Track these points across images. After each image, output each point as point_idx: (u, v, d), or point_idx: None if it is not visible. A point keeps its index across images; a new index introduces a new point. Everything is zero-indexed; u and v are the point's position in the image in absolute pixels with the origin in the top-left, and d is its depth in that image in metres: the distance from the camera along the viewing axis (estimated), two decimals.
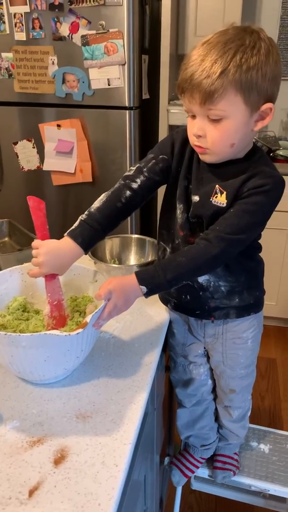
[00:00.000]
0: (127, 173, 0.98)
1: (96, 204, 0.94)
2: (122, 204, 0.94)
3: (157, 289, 0.90)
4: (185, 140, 0.96)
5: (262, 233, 1.01)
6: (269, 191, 0.87)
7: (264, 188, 0.87)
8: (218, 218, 0.90)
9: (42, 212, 0.89)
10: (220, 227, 0.88)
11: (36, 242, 0.89)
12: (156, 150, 1.00)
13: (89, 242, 0.91)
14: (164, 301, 1.12)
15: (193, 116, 0.87)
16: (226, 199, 0.89)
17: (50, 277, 0.90)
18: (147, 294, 0.89)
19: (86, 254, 0.92)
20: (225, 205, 0.90)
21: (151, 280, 0.88)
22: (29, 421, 0.77)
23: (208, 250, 0.88)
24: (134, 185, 0.96)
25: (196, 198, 0.94)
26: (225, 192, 0.90)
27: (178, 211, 0.98)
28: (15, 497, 0.64)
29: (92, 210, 0.93)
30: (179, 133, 0.99)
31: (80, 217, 0.93)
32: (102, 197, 0.95)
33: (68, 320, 0.92)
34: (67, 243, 0.89)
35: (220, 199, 0.90)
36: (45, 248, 0.87)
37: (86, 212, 0.93)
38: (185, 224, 0.98)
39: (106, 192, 0.96)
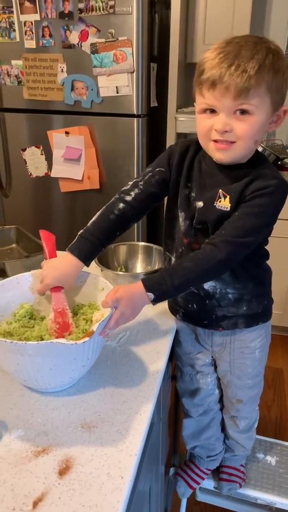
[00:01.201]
0: (123, 188, 1.01)
1: (93, 218, 0.98)
2: (115, 216, 0.97)
3: (164, 295, 0.89)
4: (185, 151, 0.99)
5: (269, 240, 1.01)
6: (272, 193, 0.87)
7: (267, 190, 0.87)
8: (222, 223, 0.90)
9: (52, 242, 0.99)
10: (226, 231, 0.88)
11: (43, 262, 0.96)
12: (154, 163, 1.03)
13: (86, 254, 0.94)
14: (173, 311, 1.11)
15: (212, 113, 0.86)
16: (230, 203, 0.90)
17: (55, 289, 0.93)
18: (154, 301, 0.88)
19: (87, 266, 0.95)
20: (229, 209, 0.90)
21: (158, 287, 0.87)
22: (34, 430, 0.76)
23: (215, 254, 0.88)
24: (128, 198, 0.99)
25: (200, 204, 0.95)
26: (228, 196, 0.90)
27: (181, 219, 0.99)
28: (19, 508, 0.63)
29: (88, 224, 0.97)
30: (178, 145, 1.02)
31: (79, 232, 0.97)
32: (98, 212, 0.99)
33: (73, 327, 0.91)
34: (66, 256, 0.94)
35: (224, 203, 0.90)
36: (48, 263, 0.95)
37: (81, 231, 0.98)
38: (189, 231, 0.98)
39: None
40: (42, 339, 0.88)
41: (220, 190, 0.91)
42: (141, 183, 1.00)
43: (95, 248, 0.95)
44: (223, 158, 0.89)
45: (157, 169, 1.01)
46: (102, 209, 0.99)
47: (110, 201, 1.00)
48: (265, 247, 1.03)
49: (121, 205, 0.98)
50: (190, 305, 1.05)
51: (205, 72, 0.83)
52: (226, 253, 0.87)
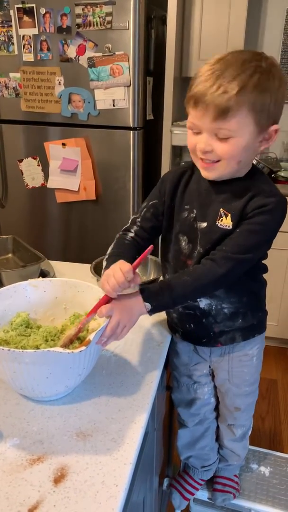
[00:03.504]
0: (124, 226, 1.05)
1: (108, 250, 1.00)
2: (129, 241, 1.02)
3: (161, 306, 0.91)
4: (178, 176, 1.01)
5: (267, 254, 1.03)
6: (272, 210, 0.88)
7: (268, 207, 0.88)
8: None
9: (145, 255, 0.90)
10: (227, 247, 0.89)
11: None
12: (148, 198, 1.06)
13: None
14: (173, 330, 1.11)
15: (198, 132, 0.87)
16: (232, 221, 0.90)
17: (94, 310, 0.88)
18: (151, 312, 0.89)
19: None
20: (231, 227, 0.91)
21: (156, 298, 0.88)
22: (29, 438, 0.77)
23: (214, 270, 0.88)
24: (131, 234, 1.04)
25: (203, 224, 0.95)
26: (229, 215, 0.91)
27: (183, 243, 0.99)
28: None
29: (108, 252, 0.99)
30: (170, 173, 1.04)
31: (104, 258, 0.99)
32: (111, 245, 1.02)
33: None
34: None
35: (226, 222, 0.91)
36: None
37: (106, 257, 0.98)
38: (192, 253, 0.98)
39: None
40: (38, 349, 0.89)
41: (221, 209, 0.92)
42: (139, 219, 1.04)
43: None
44: (209, 175, 0.91)
45: (151, 203, 1.04)
46: (113, 243, 1.02)
47: (116, 238, 1.03)
48: (263, 261, 1.04)
49: (129, 236, 1.03)
50: (187, 325, 1.06)
51: (192, 89, 0.84)
52: (226, 269, 0.88)
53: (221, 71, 0.80)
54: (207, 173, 0.91)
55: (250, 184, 0.91)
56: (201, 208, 0.96)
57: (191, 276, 0.90)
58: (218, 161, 0.87)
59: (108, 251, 1.00)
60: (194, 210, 0.97)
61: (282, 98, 0.85)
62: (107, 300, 0.87)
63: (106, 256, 0.99)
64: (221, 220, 0.92)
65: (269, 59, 0.84)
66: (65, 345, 0.88)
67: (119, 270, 0.84)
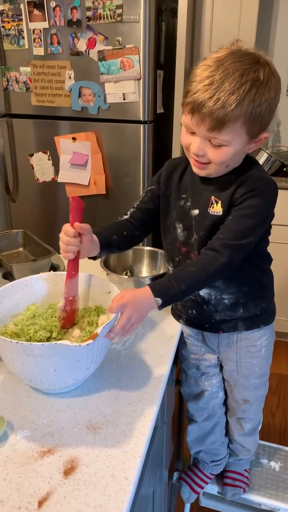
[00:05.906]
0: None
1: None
2: (116, 222, 1.06)
3: (171, 300, 0.91)
4: (173, 168, 1.06)
5: (272, 245, 1.03)
6: (261, 193, 0.91)
7: (256, 191, 0.90)
8: (217, 228, 0.93)
9: (80, 212, 0.91)
10: (223, 235, 0.91)
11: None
12: (148, 185, 1.10)
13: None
14: (177, 317, 1.13)
15: (193, 133, 0.90)
16: (222, 207, 0.93)
17: (72, 275, 0.92)
18: (161, 306, 0.90)
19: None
20: (221, 213, 0.93)
21: (166, 292, 0.89)
22: (39, 431, 0.77)
23: (216, 259, 0.90)
24: (125, 216, 1.09)
25: (196, 211, 0.98)
26: (220, 201, 0.94)
27: (179, 230, 1.02)
28: (25, 507, 0.64)
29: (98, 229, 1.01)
30: (167, 162, 1.09)
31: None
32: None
33: (77, 316, 0.93)
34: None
35: (216, 209, 0.94)
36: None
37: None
38: (188, 241, 1.01)
39: None
40: (45, 329, 0.90)
41: (212, 197, 0.95)
42: (137, 203, 1.10)
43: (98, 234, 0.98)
44: (199, 173, 0.96)
45: (149, 188, 1.10)
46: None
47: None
48: (267, 248, 1.05)
49: (122, 218, 1.09)
50: (190, 311, 1.08)
51: (189, 95, 0.85)
52: (227, 257, 0.90)
53: (220, 82, 0.81)
54: (198, 171, 0.95)
55: (241, 172, 0.94)
56: (194, 196, 0.99)
57: (196, 266, 0.91)
58: (208, 162, 0.91)
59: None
60: (189, 199, 1.00)
61: (275, 106, 0.88)
62: (72, 263, 0.91)
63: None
64: (212, 207, 0.95)
65: (267, 67, 0.85)
66: (59, 317, 0.91)
67: (63, 232, 0.89)
